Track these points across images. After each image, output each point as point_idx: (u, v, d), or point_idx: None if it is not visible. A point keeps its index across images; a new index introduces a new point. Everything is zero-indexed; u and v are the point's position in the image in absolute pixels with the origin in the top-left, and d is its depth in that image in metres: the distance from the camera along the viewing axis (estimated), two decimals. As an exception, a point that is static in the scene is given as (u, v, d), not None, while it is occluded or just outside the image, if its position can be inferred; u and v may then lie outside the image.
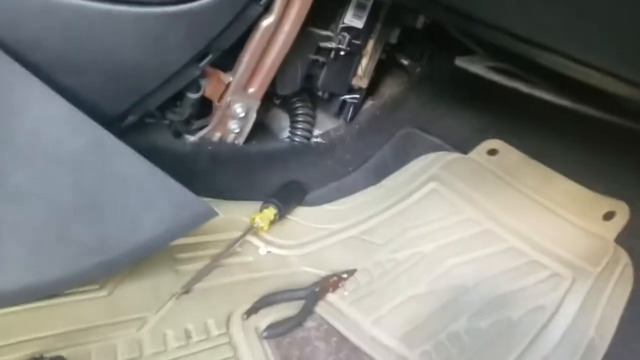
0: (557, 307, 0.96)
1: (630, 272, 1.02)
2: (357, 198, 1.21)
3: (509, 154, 1.31)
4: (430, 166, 1.28)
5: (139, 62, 0.86)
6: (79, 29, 0.77)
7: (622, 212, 1.14)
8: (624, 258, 1.04)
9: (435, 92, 1.49)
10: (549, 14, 0.72)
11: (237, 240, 0.94)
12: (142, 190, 0.75)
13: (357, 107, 1.40)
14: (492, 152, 1.32)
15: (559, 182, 1.22)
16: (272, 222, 1.01)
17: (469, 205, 1.16)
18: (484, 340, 0.90)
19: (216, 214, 0.82)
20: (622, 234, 1.09)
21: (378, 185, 1.26)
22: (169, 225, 0.77)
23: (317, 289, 0.90)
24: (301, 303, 0.87)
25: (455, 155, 1.31)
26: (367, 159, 1.34)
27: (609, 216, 1.13)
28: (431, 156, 1.31)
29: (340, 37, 1.18)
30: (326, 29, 1.17)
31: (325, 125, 1.40)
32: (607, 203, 1.16)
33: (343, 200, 1.19)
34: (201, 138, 1.11)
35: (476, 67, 1.09)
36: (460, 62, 1.13)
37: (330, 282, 0.94)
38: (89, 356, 0.69)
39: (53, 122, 0.71)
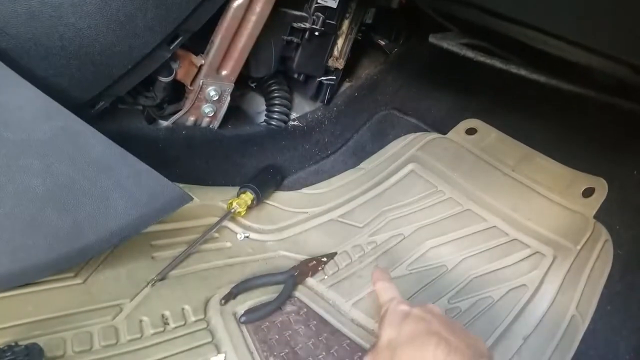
0: (538, 286, 0.97)
1: (609, 248, 1.03)
2: (335, 181, 1.21)
3: (488, 133, 1.31)
4: (408, 147, 1.29)
5: (107, 46, 0.85)
6: (45, 14, 0.76)
7: (601, 189, 1.15)
8: (604, 235, 1.06)
9: (413, 73, 1.49)
10: None
11: (214, 226, 0.93)
12: (114, 175, 0.75)
13: (334, 89, 1.40)
14: (471, 131, 1.32)
15: (538, 160, 1.23)
16: (249, 207, 1.01)
17: (448, 186, 1.16)
18: (465, 320, 0.90)
19: (191, 198, 0.82)
20: (600, 211, 1.11)
21: (357, 168, 1.26)
22: (142, 211, 0.77)
23: (296, 273, 0.90)
24: (280, 287, 0.87)
25: (434, 135, 1.31)
26: (345, 141, 1.34)
27: (588, 193, 1.15)
28: (409, 137, 1.32)
29: (314, 17, 1.17)
30: (299, 9, 1.16)
31: (302, 108, 1.39)
32: (586, 180, 1.17)
33: (321, 184, 1.19)
34: (175, 123, 1.11)
35: (450, 44, 1.09)
36: (433, 39, 1.12)
37: (310, 266, 0.93)
38: (65, 344, 0.68)
39: (22, 108, 0.71)
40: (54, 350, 0.67)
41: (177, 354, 0.72)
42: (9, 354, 0.61)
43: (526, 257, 1.03)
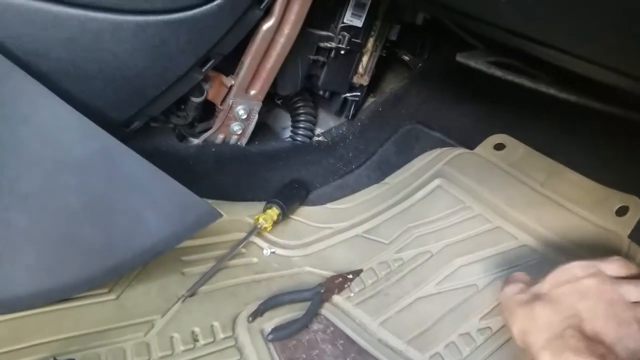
0: None
1: None
2: (360, 196, 1.21)
3: (516, 148, 1.29)
4: (434, 162, 1.28)
5: (142, 70, 0.89)
6: (85, 40, 0.80)
7: (635, 207, 1.11)
8: (639, 255, 1.02)
9: (437, 87, 1.50)
10: (540, 7, 0.73)
11: (241, 241, 0.96)
12: (147, 193, 0.78)
13: (359, 104, 1.42)
14: (499, 146, 1.30)
15: (568, 175, 1.19)
16: (275, 222, 1.03)
17: (477, 202, 1.14)
18: (497, 341, 0.89)
19: (220, 215, 0.84)
20: (636, 230, 1.07)
21: (382, 183, 1.27)
22: (174, 228, 0.80)
23: (322, 290, 0.91)
24: (306, 304, 0.88)
25: (461, 150, 1.30)
26: (370, 156, 1.36)
27: (621, 211, 1.11)
28: (436, 152, 1.32)
29: (340, 36, 1.20)
30: (326, 29, 1.19)
31: (327, 124, 1.42)
32: (619, 197, 1.13)
33: (346, 198, 1.20)
34: (205, 140, 1.14)
35: (477, 63, 1.09)
36: (460, 57, 1.13)
37: (336, 283, 0.95)
38: (99, 359, 0.72)
39: (61, 129, 0.74)
40: (90, 366, 0.70)
41: (206, 371, 0.75)
42: None
43: None
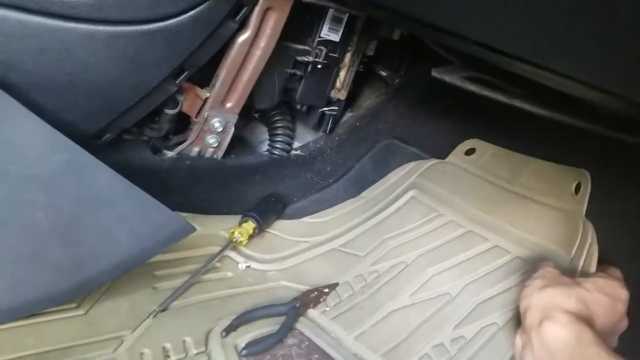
0: None
1: (594, 251, 1.01)
2: (336, 210, 1.22)
3: (485, 150, 1.31)
4: (409, 175, 1.30)
5: (115, 81, 0.87)
6: (55, 50, 0.78)
7: (585, 182, 1.14)
8: (591, 235, 1.03)
9: (414, 102, 1.51)
10: (515, 25, 0.74)
11: (215, 256, 0.95)
12: (117, 208, 0.76)
13: (336, 119, 1.43)
14: (470, 151, 1.33)
15: (532, 165, 1.22)
16: (251, 236, 1.03)
17: (449, 209, 1.16)
18: (471, 350, 0.90)
19: (194, 229, 0.83)
20: (589, 206, 1.10)
21: (358, 197, 1.28)
22: (146, 243, 0.79)
23: (297, 304, 0.91)
24: (281, 319, 0.88)
25: (433, 161, 1.32)
26: (347, 170, 1.36)
27: (578, 188, 1.14)
28: (410, 165, 1.33)
29: (317, 50, 1.20)
30: (303, 43, 1.19)
31: (304, 138, 1.42)
32: (573, 175, 1.16)
33: (323, 212, 1.21)
34: (179, 153, 1.13)
35: (452, 78, 1.10)
36: (436, 73, 1.14)
37: (311, 297, 0.95)
38: (66, 377, 0.70)
39: (27, 141, 0.72)
40: (56, 382, 0.68)
41: (178, 387, 0.73)
42: None
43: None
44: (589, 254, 1.00)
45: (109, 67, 0.85)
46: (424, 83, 1.52)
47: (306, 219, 1.18)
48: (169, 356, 0.77)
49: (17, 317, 0.72)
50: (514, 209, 1.13)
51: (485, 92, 1.07)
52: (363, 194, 1.29)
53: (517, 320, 0.89)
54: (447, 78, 1.11)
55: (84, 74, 0.83)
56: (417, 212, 1.18)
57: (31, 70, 0.78)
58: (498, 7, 0.73)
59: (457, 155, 1.33)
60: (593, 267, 0.97)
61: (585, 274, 0.95)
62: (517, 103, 1.04)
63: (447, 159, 1.33)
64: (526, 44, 0.80)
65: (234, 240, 0.99)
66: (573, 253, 1.01)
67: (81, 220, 0.73)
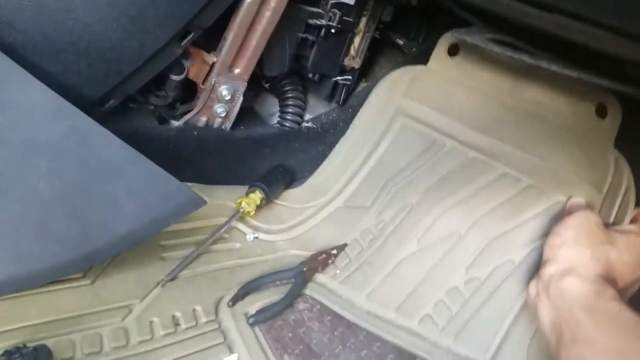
0: None
1: (632, 195, 0.94)
2: (333, 158, 1.21)
3: (471, 49, 1.16)
4: (392, 96, 1.21)
5: (117, 43, 0.86)
6: (54, 8, 0.77)
7: (613, 106, 1.01)
8: (626, 174, 0.96)
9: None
10: None
11: (222, 226, 0.95)
12: (125, 178, 0.75)
13: (350, 89, 1.40)
14: (454, 50, 1.20)
15: (541, 74, 1.04)
16: (258, 207, 1.02)
17: (444, 136, 1.08)
18: (486, 291, 0.89)
19: (204, 202, 0.82)
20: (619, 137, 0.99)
21: (346, 135, 1.24)
22: (154, 215, 0.78)
23: (304, 269, 0.91)
24: (289, 287, 0.89)
25: (414, 69, 1.22)
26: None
27: (602, 112, 1.01)
28: (390, 77, 1.25)
29: (330, 14, 1.17)
30: (315, 4, 1.16)
31: (316, 110, 1.40)
32: (595, 94, 1.03)
33: (318, 170, 1.19)
34: (186, 123, 1.11)
35: (474, 39, 1.08)
36: (457, 33, 1.11)
37: (320, 261, 0.95)
38: (74, 346, 0.70)
39: (30, 106, 0.71)
40: (63, 352, 0.68)
41: (189, 355, 0.74)
42: (16, 355, 0.62)
43: (546, 208, 0.94)
44: (624, 200, 0.94)
45: (111, 28, 0.84)
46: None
47: (307, 182, 1.17)
48: (179, 324, 0.78)
49: (20, 289, 0.71)
50: (519, 129, 1.03)
51: (509, 54, 1.04)
52: (348, 132, 1.24)
53: (535, 258, 0.88)
54: (469, 39, 1.08)
55: (84, 35, 0.82)
56: (412, 143, 1.11)
57: (30, 29, 0.77)
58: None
59: (439, 58, 1.20)
60: (628, 217, 0.92)
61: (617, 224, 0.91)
62: (543, 64, 1.01)
63: (428, 65, 1.21)
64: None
65: (242, 210, 0.99)
66: (604, 191, 0.93)
67: (86, 188, 0.72)
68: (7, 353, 0.62)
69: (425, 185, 1.03)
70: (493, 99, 1.08)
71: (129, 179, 0.76)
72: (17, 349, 0.63)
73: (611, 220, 0.92)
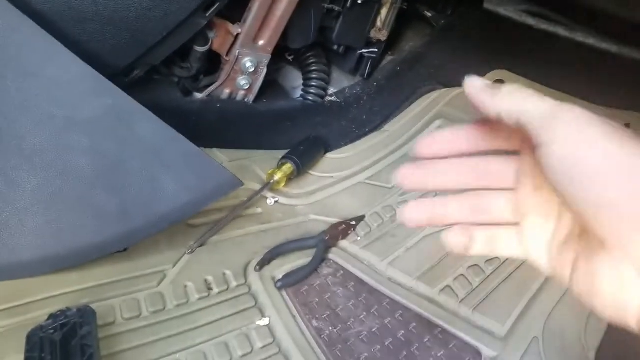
0: None
1: None
2: (359, 145, 1.27)
3: (514, 82, 1.33)
4: (434, 104, 1.34)
5: (142, 12, 0.91)
6: (81, -24, 0.82)
7: (638, 124, 1.17)
8: None
9: (461, 46, 1.52)
10: None
11: (253, 195, 1.01)
12: (164, 157, 0.80)
13: (375, 62, 1.45)
14: (499, 82, 1.33)
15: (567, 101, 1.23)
16: (288, 178, 1.08)
17: None
18: (506, 269, 0.95)
19: (241, 183, 0.87)
20: None
21: (381, 130, 1.33)
22: (192, 195, 0.82)
23: (326, 237, 0.97)
24: (313, 252, 0.95)
25: (459, 90, 1.36)
26: (384, 118, 1.38)
27: None
28: (433, 94, 1.38)
29: (357, -17, 1.21)
30: (342, -25, 1.20)
31: (340, 83, 1.45)
32: (622, 117, 1.20)
33: (346, 147, 1.26)
34: (209, 95, 1.17)
35: (507, 10, 1.11)
36: (489, 4, 1.15)
37: (340, 230, 1.01)
38: (114, 310, 0.76)
39: (71, 84, 0.75)
40: (105, 317, 0.74)
41: (224, 318, 0.80)
42: (62, 318, 0.67)
43: None
44: None
45: (136, -3, 0.88)
46: (472, 24, 1.53)
47: (330, 155, 1.23)
48: (211, 288, 0.84)
49: (60, 266, 0.76)
50: None
51: (544, 26, 1.08)
52: (386, 127, 1.33)
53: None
54: (502, 10, 1.12)
55: (110, 4, 0.87)
56: None
57: (58, -3, 0.82)
58: None
59: None
60: None
61: None
62: (579, 37, 1.05)
63: None
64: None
65: (272, 182, 1.05)
66: None
67: (126, 167, 0.77)
68: (53, 316, 0.67)
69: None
70: None
71: (169, 158, 0.80)
72: (62, 312, 0.68)
73: None
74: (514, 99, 0.40)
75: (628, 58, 1.02)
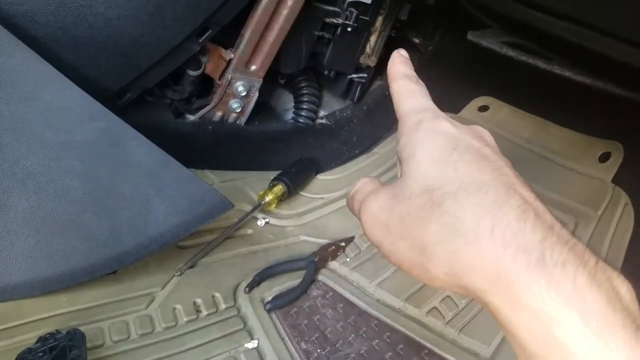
0: None
1: (630, 211, 1.10)
2: (349, 167, 1.28)
3: (500, 108, 1.40)
4: None
5: (136, 37, 0.91)
6: (74, 2, 0.82)
7: (617, 152, 1.23)
8: (623, 198, 1.13)
9: (448, 72, 1.53)
10: None
11: (243, 217, 1.00)
12: (155, 180, 0.79)
13: (365, 87, 1.45)
14: (483, 108, 1.41)
15: (552, 130, 1.32)
16: (279, 200, 1.08)
17: None
18: None
19: (232, 206, 0.86)
20: (618, 174, 1.18)
21: (371, 152, 1.34)
22: (183, 218, 0.81)
23: (315, 259, 0.97)
24: (303, 273, 0.94)
25: (447, 114, 1.35)
26: (374, 141, 1.39)
27: (604, 157, 1.23)
28: None
29: (347, 12, 1.22)
30: (332, 4, 1.21)
31: (331, 106, 1.45)
32: (602, 145, 1.25)
33: (336, 169, 1.26)
34: (202, 117, 1.17)
35: (489, 42, 1.12)
36: (472, 36, 1.16)
37: (329, 251, 1.00)
38: (103, 333, 0.74)
39: (65, 108, 0.75)
40: (94, 339, 0.73)
41: (212, 340, 0.78)
42: (51, 340, 0.65)
43: None
44: (624, 212, 1.10)
45: (130, 23, 0.89)
46: (459, 52, 1.55)
47: (320, 177, 1.23)
48: (200, 311, 0.82)
49: (50, 288, 0.74)
50: (532, 166, 1.21)
51: (524, 58, 1.09)
52: (375, 150, 1.35)
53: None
54: (484, 42, 1.14)
55: (104, 29, 0.87)
56: None
57: (51, 23, 0.82)
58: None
59: (470, 111, 1.41)
60: (630, 226, 1.06)
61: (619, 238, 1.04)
62: (556, 70, 1.06)
63: (460, 114, 1.40)
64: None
65: (263, 202, 1.04)
66: (600, 212, 1.10)
67: (118, 190, 0.76)
68: (42, 339, 0.66)
69: None
70: (513, 142, 1.30)
71: (160, 181, 0.79)
72: (51, 335, 0.66)
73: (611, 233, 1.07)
74: (400, 93, 0.48)
75: (602, 90, 1.04)
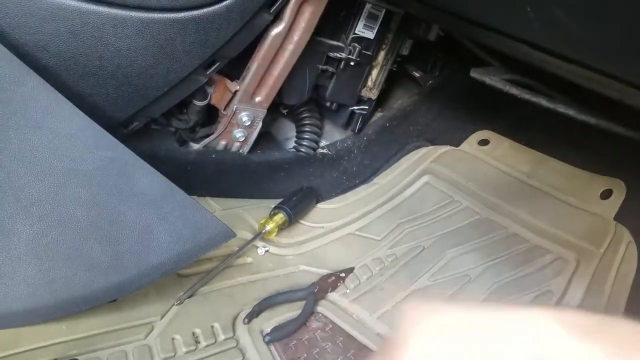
0: (563, 291, 1.01)
1: (633, 249, 1.08)
2: (349, 197, 1.28)
3: (500, 142, 1.39)
4: (421, 160, 1.36)
5: (145, 68, 0.91)
6: (86, 34, 0.82)
7: (619, 190, 1.22)
8: (626, 236, 1.10)
9: (448, 105, 1.54)
10: (567, 21, 0.75)
11: (244, 246, 0.99)
12: (159, 209, 0.79)
13: (366, 118, 1.46)
14: (483, 142, 1.41)
15: (553, 164, 1.30)
16: (280, 228, 1.07)
17: (465, 195, 1.23)
18: None
19: (234, 235, 0.86)
20: (621, 212, 1.16)
21: (370, 183, 1.34)
22: (186, 246, 0.81)
23: (315, 290, 0.96)
24: (302, 304, 0.93)
25: (446, 148, 1.39)
26: (374, 171, 1.39)
27: (605, 194, 1.21)
28: (422, 150, 1.40)
29: (350, 47, 1.24)
30: (336, 39, 1.22)
31: (332, 137, 1.46)
32: (603, 182, 1.23)
33: (336, 199, 1.26)
34: (205, 146, 1.17)
35: (492, 80, 1.12)
36: (475, 73, 1.16)
37: (329, 282, 1.00)
38: (102, 362, 0.73)
39: (72, 137, 0.74)
40: (92, 369, 0.72)
41: (210, 372, 0.77)
42: None
43: (549, 263, 1.08)
44: (627, 251, 1.07)
45: (139, 54, 0.89)
46: (459, 86, 1.56)
47: (320, 206, 1.22)
48: (199, 342, 0.81)
49: (51, 316, 0.74)
50: (532, 201, 1.20)
51: (527, 96, 1.09)
52: (375, 180, 1.35)
53: (537, 302, 0.97)
54: (487, 79, 1.13)
55: (114, 60, 0.88)
56: (432, 197, 1.25)
57: (62, 53, 0.82)
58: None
59: (470, 144, 1.40)
60: (634, 265, 1.03)
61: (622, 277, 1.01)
62: (560, 108, 1.06)
63: (460, 147, 1.40)
64: (581, 44, 0.81)
65: (263, 231, 1.03)
66: (603, 249, 1.07)
67: (122, 217, 0.76)
68: None
69: (438, 233, 1.16)
70: (513, 177, 1.29)
71: (164, 210, 0.79)
72: None
73: (614, 271, 1.04)
74: None
75: (605, 130, 1.04)
